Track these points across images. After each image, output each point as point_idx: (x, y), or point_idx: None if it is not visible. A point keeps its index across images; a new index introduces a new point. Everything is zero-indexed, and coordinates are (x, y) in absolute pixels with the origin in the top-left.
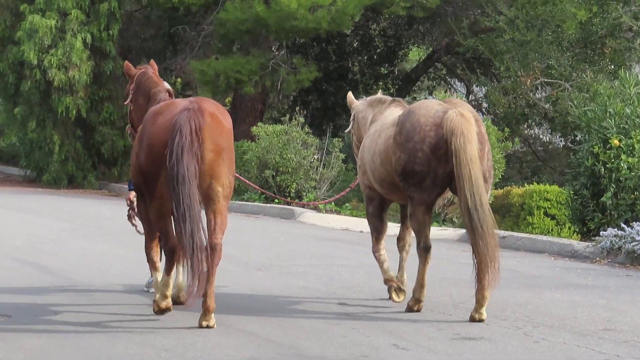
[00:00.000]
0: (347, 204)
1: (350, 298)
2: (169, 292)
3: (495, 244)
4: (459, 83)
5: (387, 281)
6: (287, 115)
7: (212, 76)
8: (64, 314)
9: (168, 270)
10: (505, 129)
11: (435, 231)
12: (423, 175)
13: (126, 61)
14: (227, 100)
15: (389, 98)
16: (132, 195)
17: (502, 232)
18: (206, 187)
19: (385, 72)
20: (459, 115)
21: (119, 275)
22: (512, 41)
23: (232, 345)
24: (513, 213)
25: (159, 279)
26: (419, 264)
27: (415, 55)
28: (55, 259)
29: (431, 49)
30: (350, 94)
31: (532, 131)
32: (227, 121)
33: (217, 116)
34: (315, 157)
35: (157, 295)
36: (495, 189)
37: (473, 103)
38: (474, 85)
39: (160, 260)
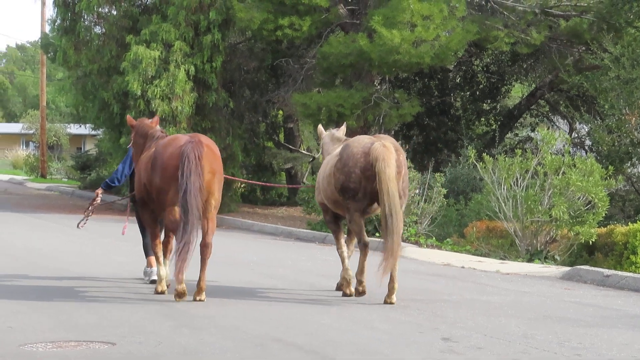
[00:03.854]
0: (448, 240)
1: (453, 334)
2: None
3: (400, 244)
4: (562, 120)
5: (345, 282)
6: None
7: (314, 109)
8: (167, 343)
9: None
10: (609, 167)
11: (538, 268)
12: (356, 191)
13: (128, 115)
14: None
15: (343, 137)
16: (100, 191)
17: (606, 271)
18: (204, 200)
19: (488, 108)
20: (382, 146)
21: (221, 304)
22: (617, 79)
23: None
24: (616, 252)
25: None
26: (360, 256)
27: (518, 91)
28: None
29: (534, 85)
30: (320, 126)
31: (635, 170)
32: (217, 152)
33: (211, 147)
34: (417, 191)
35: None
36: (598, 226)
37: (576, 140)
38: (577, 123)
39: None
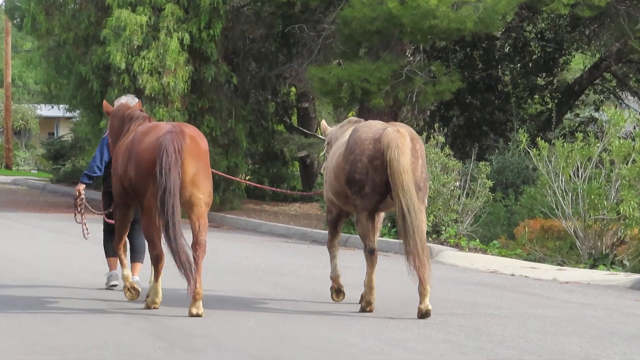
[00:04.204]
0: (494, 241)
1: (502, 355)
2: (159, 299)
3: (424, 244)
4: (632, 97)
5: (332, 279)
6: (424, 134)
7: (334, 85)
8: None
9: (156, 277)
10: None
11: (603, 276)
12: (362, 183)
13: (104, 100)
14: (350, 114)
15: (354, 119)
16: (82, 187)
17: None
18: (189, 196)
19: (543, 83)
20: (396, 132)
21: (223, 320)
22: None
23: None
24: None
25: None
26: (366, 267)
27: (579, 63)
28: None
29: (599, 56)
30: (324, 122)
31: None
32: (203, 143)
33: (195, 138)
34: (457, 184)
35: (147, 300)
36: None
37: None
38: None
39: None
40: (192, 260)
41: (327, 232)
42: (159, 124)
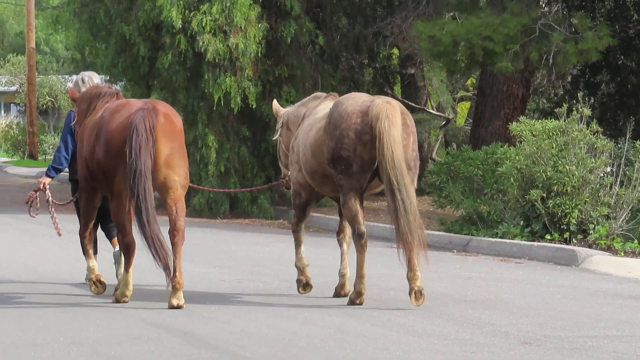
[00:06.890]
0: None
1: None
2: (129, 292)
3: (419, 224)
4: None
5: (298, 269)
6: (565, 105)
7: (448, 45)
8: None
9: (127, 267)
10: None
11: None
12: (349, 161)
13: (69, 87)
14: (469, 81)
15: (324, 94)
16: (48, 181)
17: None
18: (164, 178)
19: None
20: (385, 102)
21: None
22: None
23: None
24: None
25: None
26: (356, 253)
27: None
28: (212, 325)
29: None
30: (275, 102)
31: None
32: (178, 121)
33: (169, 116)
34: (609, 169)
35: (117, 292)
36: None
37: None
38: None
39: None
40: (168, 247)
41: (444, 233)
42: (130, 101)
